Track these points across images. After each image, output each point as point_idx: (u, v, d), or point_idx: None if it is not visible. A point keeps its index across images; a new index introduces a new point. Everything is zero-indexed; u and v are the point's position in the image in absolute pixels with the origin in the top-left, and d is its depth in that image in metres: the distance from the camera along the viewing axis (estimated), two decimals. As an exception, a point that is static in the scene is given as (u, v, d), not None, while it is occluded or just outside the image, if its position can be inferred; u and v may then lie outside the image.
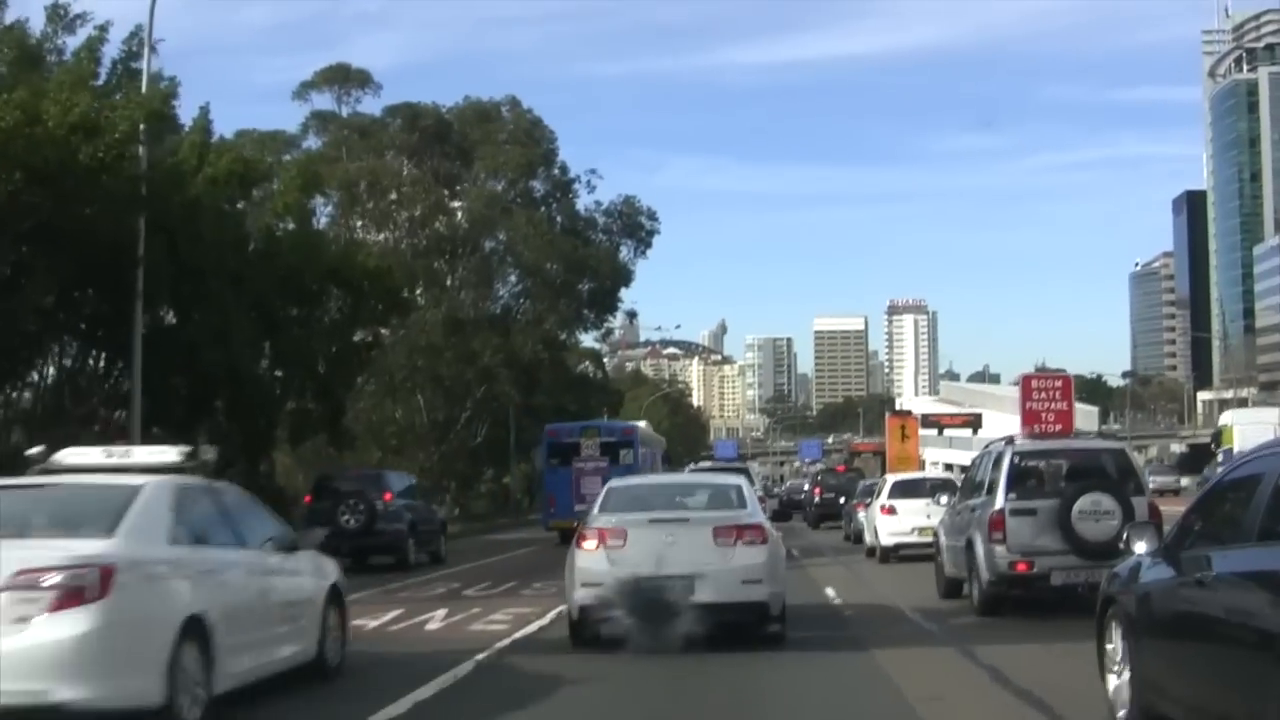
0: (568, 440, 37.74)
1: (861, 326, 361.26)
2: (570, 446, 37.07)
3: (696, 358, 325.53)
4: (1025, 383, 34.76)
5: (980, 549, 15.33)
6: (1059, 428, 31.87)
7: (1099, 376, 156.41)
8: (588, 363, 75.93)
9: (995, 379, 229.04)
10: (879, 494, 28.46)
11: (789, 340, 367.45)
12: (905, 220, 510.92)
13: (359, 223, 54.98)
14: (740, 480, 15.23)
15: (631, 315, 63.84)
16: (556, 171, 58.15)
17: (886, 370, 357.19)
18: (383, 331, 47.34)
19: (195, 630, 8.76)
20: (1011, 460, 15.59)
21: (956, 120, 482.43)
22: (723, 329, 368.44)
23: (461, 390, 55.80)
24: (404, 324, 49.24)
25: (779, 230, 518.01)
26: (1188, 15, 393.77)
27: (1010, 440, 16.75)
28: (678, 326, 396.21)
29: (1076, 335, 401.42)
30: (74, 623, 7.87)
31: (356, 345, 38.55)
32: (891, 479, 29.89)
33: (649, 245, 59.82)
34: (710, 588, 12.58)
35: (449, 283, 57.40)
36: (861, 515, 30.97)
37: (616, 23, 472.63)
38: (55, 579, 7.93)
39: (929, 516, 22.37)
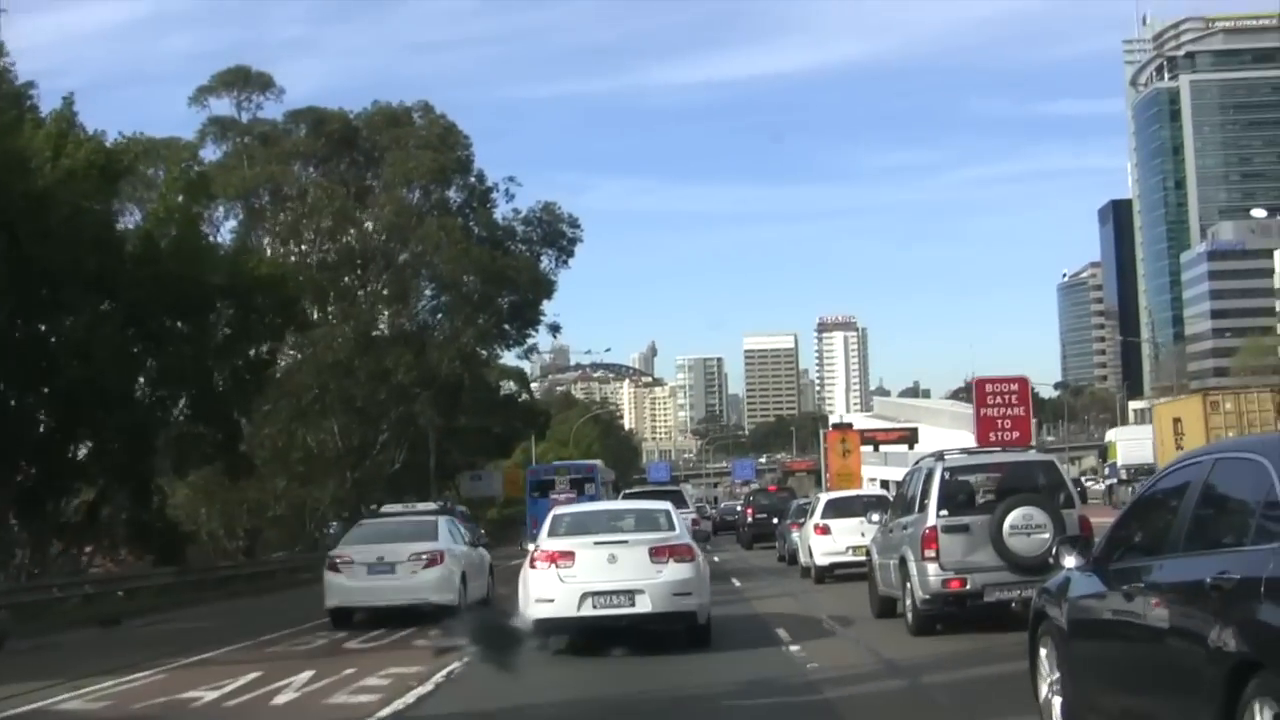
0: (545, 477, 49.23)
1: (792, 345, 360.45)
2: (548, 482, 47.98)
3: (627, 380, 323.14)
4: (979, 387, 31.48)
5: (914, 567, 15.27)
6: (1016, 434, 29.46)
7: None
8: (512, 383, 72.84)
9: (926, 394, 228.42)
10: (812, 513, 28.07)
11: (719, 360, 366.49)
12: (833, 237, 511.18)
13: (266, 239, 51.55)
14: (668, 505, 16.68)
15: (555, 329, 60.44)
16: (473, 180, 54.99)
17: (818, 388, 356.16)
18: (286, 349, 44.18)
19: (462, 578, 20.73)
20: (942, 476, 15.47)
21: (882, 136, 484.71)
22: (653, 351, 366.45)
23: (376, 412, 52.57)
24: (309, 341, 46.07)
25: (707, 250, 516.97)
26: (1108, 26, 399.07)
27: (940, 456, 16.46)
28: (608, 350, 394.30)
29: (1006, 348, 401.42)
30: (434, 572, 20.42)
31: (253, 363, 35.36)
32: (825, 498, 29.54)
33: (571, 254, 56.63)
34: (649, 599, 14.46)
35: (360, 298, 54.15)
36: (796, 535, 30.55)
37: (537, 46, 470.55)
38: (426, 556, 20.55)
39: (863, 535, 22.29)
